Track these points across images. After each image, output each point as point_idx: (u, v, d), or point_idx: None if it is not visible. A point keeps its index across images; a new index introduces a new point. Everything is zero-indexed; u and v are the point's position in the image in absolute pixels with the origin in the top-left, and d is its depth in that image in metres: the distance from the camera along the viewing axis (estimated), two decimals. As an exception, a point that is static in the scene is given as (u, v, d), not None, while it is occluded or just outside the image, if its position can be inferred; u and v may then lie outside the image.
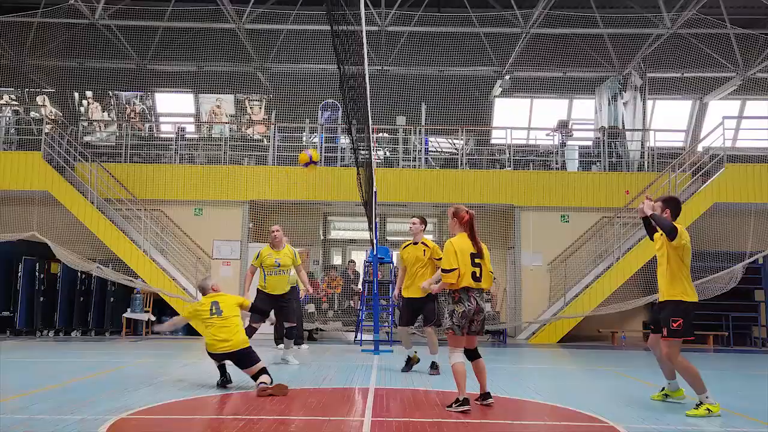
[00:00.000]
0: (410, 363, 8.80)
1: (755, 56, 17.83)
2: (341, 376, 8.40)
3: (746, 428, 5.66)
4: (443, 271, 6.08)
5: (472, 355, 6.15)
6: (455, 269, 5.98)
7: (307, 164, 10.70)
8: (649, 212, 6.34)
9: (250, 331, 8.55)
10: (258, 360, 7.16)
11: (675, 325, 6.16)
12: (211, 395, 6.81)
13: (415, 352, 8.89)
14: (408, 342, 8.84)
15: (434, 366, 8.46)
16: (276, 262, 9.22)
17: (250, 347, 7.24)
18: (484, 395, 6.18)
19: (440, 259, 8.01)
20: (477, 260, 6.09)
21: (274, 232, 9.44)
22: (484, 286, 6.15)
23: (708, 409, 5.97)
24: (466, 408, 5.85)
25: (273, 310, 9.18)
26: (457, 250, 6.06)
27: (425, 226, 8.84)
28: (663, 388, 6.82)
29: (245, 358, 7.13)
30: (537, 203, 15.82)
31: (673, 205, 6.47)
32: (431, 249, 8.52)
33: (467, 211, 6.28)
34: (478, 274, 6.07)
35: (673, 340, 6.20)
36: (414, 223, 8.74)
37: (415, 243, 8.64)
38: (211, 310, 7.30)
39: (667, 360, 6.34)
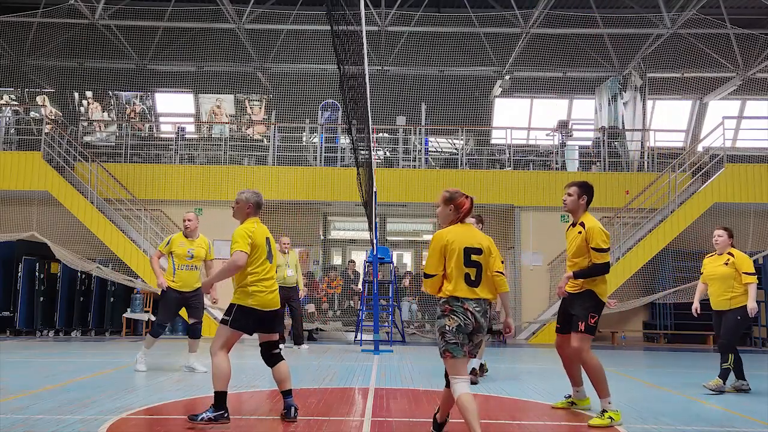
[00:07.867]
0: None
1: (755, 56, 17.86)
2: (341, 376, 8.40)
3: (746, 428, 5.66)
4: (424, 276, 4.66)
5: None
6: (434, 275, 4.57)
7: None
8: (569, 277, 6.00)
9: (157, 331, 8.47)
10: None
11: (593, 321, 5.80)
12: (211, 395, 6.79)
13: None
14: None
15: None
16: (189, 253, 8.34)
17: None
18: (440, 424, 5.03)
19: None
20: (474, 257, 4.55)
21: (187, 220, 8.45)
22: (484, 294, 4.57)
23: (611, 417, 5.54)
24: None
25: (185, 308, 8.57)
26: (447, 246, 4.55)
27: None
28: (569, 396, 6.35)
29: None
30: (537, 203, 15.82)
31: (590, 191, 6.30)
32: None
33: (467, 197, 4.74)
34: (473, 277, 4.54)
35: (586, 335, 5.80)
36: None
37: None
38: None
39: (576, 357, 5.89)
